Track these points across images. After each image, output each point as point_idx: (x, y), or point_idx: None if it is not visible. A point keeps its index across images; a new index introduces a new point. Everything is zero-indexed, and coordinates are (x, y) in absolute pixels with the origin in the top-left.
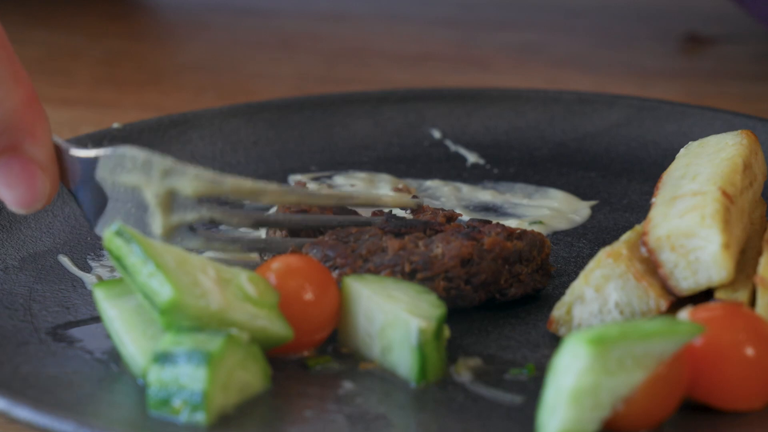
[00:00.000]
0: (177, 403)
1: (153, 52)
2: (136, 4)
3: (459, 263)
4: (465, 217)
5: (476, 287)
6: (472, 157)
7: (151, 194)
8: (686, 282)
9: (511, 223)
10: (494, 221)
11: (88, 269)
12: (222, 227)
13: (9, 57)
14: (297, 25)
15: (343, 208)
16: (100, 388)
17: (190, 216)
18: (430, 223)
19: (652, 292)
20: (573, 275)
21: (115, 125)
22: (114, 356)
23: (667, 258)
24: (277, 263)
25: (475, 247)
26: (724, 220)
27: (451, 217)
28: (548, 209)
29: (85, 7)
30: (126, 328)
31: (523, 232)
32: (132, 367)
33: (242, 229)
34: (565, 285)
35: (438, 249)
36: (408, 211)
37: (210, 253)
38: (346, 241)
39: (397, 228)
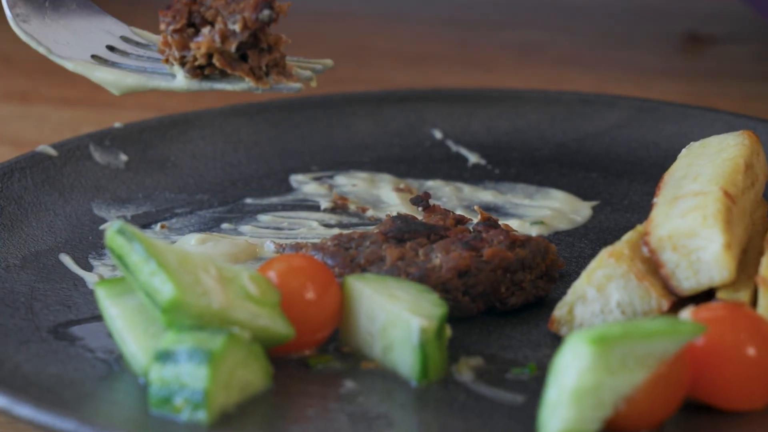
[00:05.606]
0: (178, 401)
1: None
2: (136, 3)
3: (456, 275)
4: (475, 220)
5: (474, 298)
6: (473, 158)
7: None
8: (688, 282)
9: (513, 223)
10: (502, 224)
11: (89, 268)
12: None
13: None
14: (297, 25)
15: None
16: (102, 387)
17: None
18: (434, 228)
19: (653, 292)
20: (574, 275)
21: (117, 125)
22: (115, 355)
23: (669, 258)
24: (279, 262)
25: (474, 258)
26: (726, 220)
27: (460, 221)
28: (549, 209)
29: None
30: (127, 326)
31: (528, 239)
32: (133, 366)
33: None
34: (567, 285)
35: (436, 260)
36: (420, 209)
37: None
38: (347, 248)
39: (400, 234)
